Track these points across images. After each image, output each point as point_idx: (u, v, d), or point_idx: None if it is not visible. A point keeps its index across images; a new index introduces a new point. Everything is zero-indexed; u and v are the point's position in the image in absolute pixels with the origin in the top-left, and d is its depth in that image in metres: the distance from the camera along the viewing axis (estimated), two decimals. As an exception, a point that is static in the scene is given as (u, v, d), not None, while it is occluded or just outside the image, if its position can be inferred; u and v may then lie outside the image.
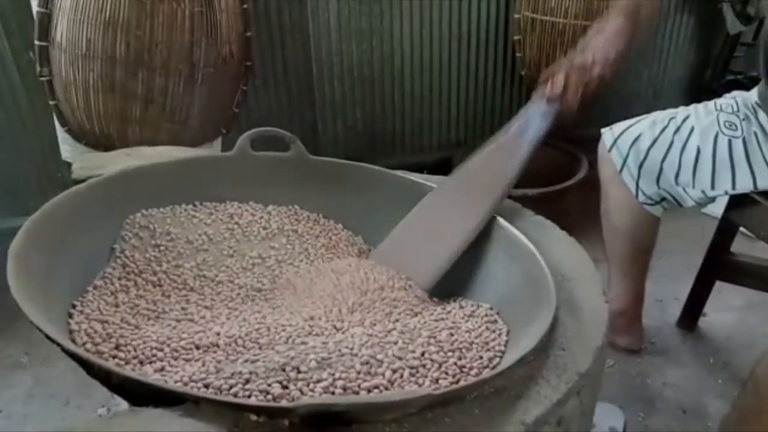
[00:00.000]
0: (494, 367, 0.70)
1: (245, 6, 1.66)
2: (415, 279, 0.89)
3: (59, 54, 1.48)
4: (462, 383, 0.64)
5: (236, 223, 0.97)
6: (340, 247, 0.98)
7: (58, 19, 1.46)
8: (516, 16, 2.03)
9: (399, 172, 1.06)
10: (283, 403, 0.56)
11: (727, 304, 1.63)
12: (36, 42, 1.48)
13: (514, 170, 0.95)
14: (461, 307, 0.85)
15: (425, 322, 0.81)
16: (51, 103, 1.57)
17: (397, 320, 0.81)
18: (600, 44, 1.04)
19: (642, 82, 2.39)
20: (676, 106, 1.38)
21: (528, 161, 0.97)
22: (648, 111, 1.39)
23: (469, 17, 2.08)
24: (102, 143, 1.58)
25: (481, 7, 2.07)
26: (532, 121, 1.01)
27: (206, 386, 0.58)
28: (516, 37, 2.06)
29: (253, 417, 0.54)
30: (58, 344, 0.58)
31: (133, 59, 1.46)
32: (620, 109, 1.48)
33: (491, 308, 0.83)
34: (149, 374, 0.60)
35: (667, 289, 1.65)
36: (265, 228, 0.98)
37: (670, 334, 1.59)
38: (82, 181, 0.94)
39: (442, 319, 0.82)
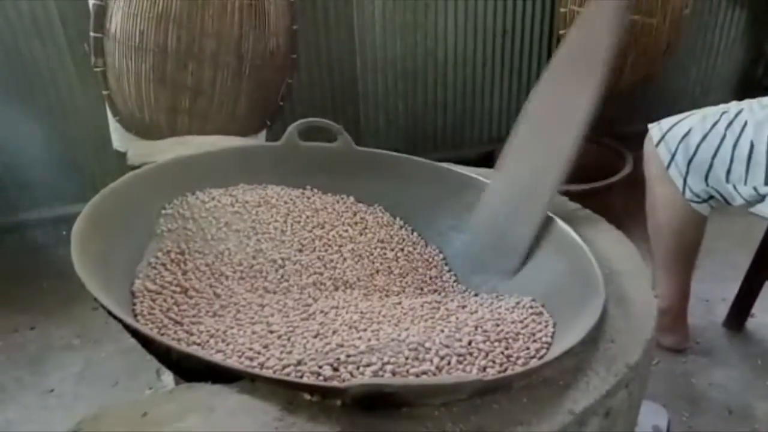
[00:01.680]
0: (541, 358, 0.70)
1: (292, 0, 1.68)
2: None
3: (113, 45, 1.52)
4: (509, 372, 0.64)
5: (286, 209, 0.99)
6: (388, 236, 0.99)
7: (113, 12, 1.50)
8: (562, 10, 2.00)
9: (444, 164, 1.07)
10: (336, 383, 0.57)
11: (776, 305, 1.58)
12: (91, 33, 1.53)
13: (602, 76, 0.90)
14: (506, 301, 0.85)
15: (472, 312, 0.81)
16: (104, 93, 1.61)
17: (444, 312, 0.82)
18: None
19: (690, 78, 2.34)
20: (726, 103, 1.34)
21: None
22: (695, 108, 1.36)
23: (514, 11, 2.06)
24: (151, 133, 1.62)
25: (526, 1, 2.05)
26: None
27: (260, 365, 0.60)
28: (561, 32, 2.03)
29: (307, 396, 0.55)
30: (121, 321, 0.60)
31: (184, 51, 1.49)
32: (666, 106, 1.45)
33: (534, 300, 0.82)
34: (207, 352, 0.62)
35: (714, 289, 1.62)
36: (313, 215, 1.00)
37: (716, 334, 1.55)
38: (138, 167, 0.98)
39: (489, 310, 0.82)
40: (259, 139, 1.76)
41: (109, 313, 0.61)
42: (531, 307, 0.81)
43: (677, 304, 1.45)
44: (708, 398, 1.36)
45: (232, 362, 0.59)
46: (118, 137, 1.71)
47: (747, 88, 2.44)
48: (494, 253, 0.91)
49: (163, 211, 0.88)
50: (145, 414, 0.50)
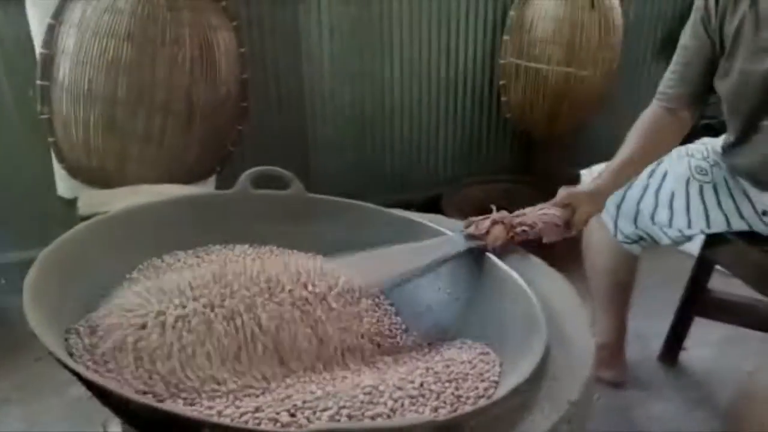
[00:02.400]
0: (490, 397, 0.73)
1: (242, 50, 1.72)
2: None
3: (61, 93, 1.52)
4: (461, 411, 0.67)
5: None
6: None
7: (60, 60, 1.51)
8: (501, 61, 2.12)
9: (393, 211, 1.10)
10: (293, 429, 0.59)
11: (707, 339, 1.67)
12: (38, 81, 1.52)
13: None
14: (455, 345, 0.88)
15: (423, 355, 0.84)
16: (50, 140, 1.60)
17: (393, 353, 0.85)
18: (529, 213, 1.05)
19: (622, 127, 2.47)
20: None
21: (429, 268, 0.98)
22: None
23: (457, 62, 2.16)
24: (99, 180, 1.60)
25: (468, 53, 2.16)
26: (444, 244, 0.99)
27: (218, 413, 0.61)
28: (501, 82, 2.15)
29: (266, 443, 0.56)
30: (77, 374, 0.60)
31: (134, 99, 1.50)
32: (600, 153, 1.54)
33: (485, 345, 0.86)
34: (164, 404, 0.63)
35: (649, 325, 1.70)
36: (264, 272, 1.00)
37: (652, 368, 1.62)
38: (88, 217, 0.98)
39: (439, 353, 0.85)
40: (209, 185, 1.77)
41: (65, 366, 0.61)
42: (479, 348, 0.85)
43: (615, 340, 1.52)
44: (646, 430, 1.42)
45: (191, 412, 0.59)
46: (64, 184, 1.69)
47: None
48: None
49: (116, 263, 0.88)
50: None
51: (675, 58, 1.32)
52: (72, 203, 1.69)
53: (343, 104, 2.07)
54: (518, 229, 1.01)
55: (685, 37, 1.29)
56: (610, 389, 1.53)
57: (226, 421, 0.58)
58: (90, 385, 0.61)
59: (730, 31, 1.19)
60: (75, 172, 1.64)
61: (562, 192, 1.12)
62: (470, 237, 0.99)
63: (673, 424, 1.44)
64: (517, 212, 1.05)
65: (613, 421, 1.44)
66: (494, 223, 1.00)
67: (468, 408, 0.69)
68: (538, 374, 0.73)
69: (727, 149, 1.33)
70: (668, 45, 2.40)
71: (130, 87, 1.48)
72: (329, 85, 2.04)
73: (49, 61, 1.51)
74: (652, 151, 1.30)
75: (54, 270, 0.77)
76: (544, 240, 1.06)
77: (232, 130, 1.79)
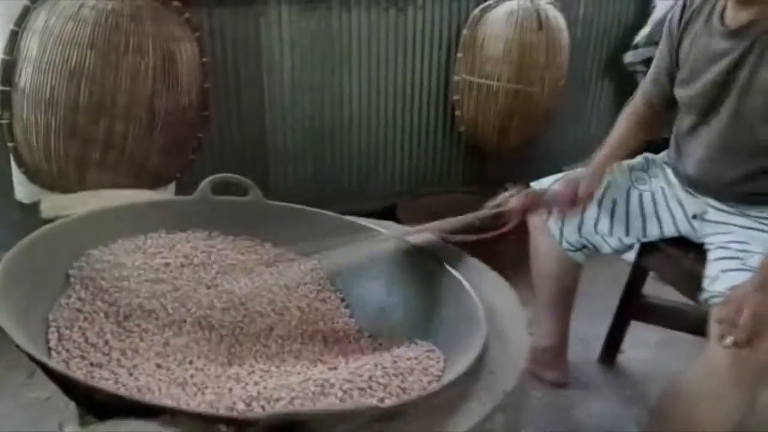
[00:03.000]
0: (432, 389, 0.78)
1: (204, 59, 1.75)
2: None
3: (22, 99, 1.52)
4: (403, 400, 0.72)
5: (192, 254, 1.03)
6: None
7: (23, 66, 1.51)
8: (455, 78, 2.19)
9: (347, 217, 1.15)
10: (250, 414, 0.63)
11: (643, 341, 1.76)
12: (-1, 87, 1.53)
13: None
14: (404, 344, 0.93)
15: (373, 353, 0.89)
16: (9, 144, 1.60)
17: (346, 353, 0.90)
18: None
19: (568, 140, 2.59)
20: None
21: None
22: (575, 166, 1.53)
23: (413, 78, 2.22)
24: (59, 185, 1.61)
25: (423, 69, 2.22)
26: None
27: (177, 402, 0.65)
28: (455, 97, 2.22)
29: (223, 428, 0.60)
30: (45, 366, 0.63)
31: (96, 106, 1.51)
32: (549, 165, 1.62)
33: (431, 344, 0.91)
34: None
35: (590, 329, 1.78)
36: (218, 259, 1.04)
37: (592, 369, 1.71)
38: (51, 220, 1.00)
39: (388, 351, 0.90)
40: (169, 191, 1.79)
41: (33, 359, 0.64)
42: (425, 347, 0.90)
43: (558, 342, 1.60)
44: (586, 427, 1.50)
45: (155, 399, 0.63)
46: (22, 189, 1.68)
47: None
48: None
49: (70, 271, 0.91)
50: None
51: (654, 60, 1.44)
52: (30, 207, 1.69)
53: (302, 115, 2.11)
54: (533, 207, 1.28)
55: (660, 43, 1.40)
56: (553, 389, 1.60)
57: (187, 408, 0.62)
58: (57, 377, 0.64)
59: (686, 43, 1.29)
60: (34, 176, 1.64)
61: (563, 177, 1.38)
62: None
63: (611, 421, 1.52)
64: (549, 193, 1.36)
65: (555, 419, 1.52)
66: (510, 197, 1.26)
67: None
68: (477, 368, 0.79)
69: (670, 157, 1.42)
70: (612, 65, 2.52)
71: (92, 94, 1.50)
72: (289, 97, 2.08)
73: (10, 66, 1.51)
74: (640, 134, 1.47)
75: (18, 271, 0.79)
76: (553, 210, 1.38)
77: (193, 138, 1.81)
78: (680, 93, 1.32)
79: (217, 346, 0.89)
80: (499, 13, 2.10)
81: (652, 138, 1.50)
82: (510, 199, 1.25)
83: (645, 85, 1.46)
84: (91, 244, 0.96)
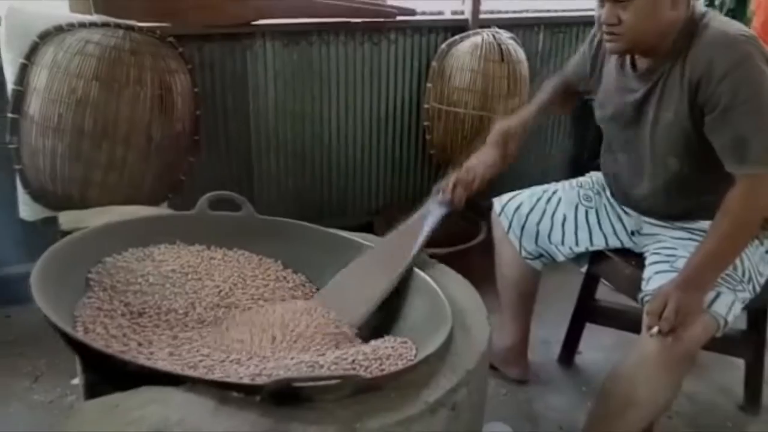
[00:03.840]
0: (406, 370, 0.91)
1: (196, 89, 1.87)
2: (350, 317, 1.09)
3: (30, 125, 1.63)
4: (383, 373, 0.85)
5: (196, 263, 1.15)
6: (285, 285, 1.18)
7: (32, 97, 1.62)
8: (425, 106, 2.35)
9: (332, 230, 1.29)
10: (257, 381, 0.75)
11: (598, 343, 1.90)
12: (9, 115, 1.63)
13: (417, 246, 1.20)
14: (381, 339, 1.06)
15: (355, 345, 1.02)
16: (16, 167, 1.70)
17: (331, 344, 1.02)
18: (477, 167, 1.45)
19: (531, 162, 2.75)
20: (559, 181, 1.68)
21: (427, 239, 1.24)
22: (537, 185, 1.68)
23: (387, 105, 2.37)
24: (62, 204, 1.68)
25: (396, 98, 2.38)
26: (430, 213, 1.34)
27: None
28: (426, 123, 2.37)
29: (234, 394, 0.73)
30: (84, 344, 0.75)
31: (99, 132, 1.62)
32: (513, 184, 1.76)
33: (405, 338, 1.03)
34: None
35: (551, 333, 1.92)
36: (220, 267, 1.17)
37: (552, 368, 1.84)
38: (69, 232, 1.11)
39: (368, 344, 1.03)
40: (161, 209, 1.89)
41: (74, 340, 0.75)
42: (400, 339, 1.03)
43: (519, 342, 1.73)
44: (545, 418, 1.63)
45: (180, 370, 0.75)
46: (27, 209, 1.77)
47: (576, 169, 2.88)
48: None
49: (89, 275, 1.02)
50: (117, 405, 0.65)
51: (574, 58, 1.59)
52: (33, 226, 1.79)
53: (285, 139, 2.25)
54: (474, 184, 1.41)
55: (581, 48, 1.55)
56: (516, 385, 1.74)
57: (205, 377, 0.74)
58: (96, 355, 0.75)
59: (605, 69, 1.44)
60: (38, 197, 1.73)
61: (495, 130, 1.53)
62: (442, 202, 1.34)
63: (567, 413, 1.65)
64: (465, 167, 1.45)
65: (518, 411, 1.65)
66: (455, 185, 1.37)
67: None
68: (444, 351, 0.93)
69: (606, 182, 1.58)
70: (568, 94, 2.71)
71: (96, 121, 1.61)
72: (273, 123, 2.21)
73: (20, 96, 1.62)
74: (557, 106, 1.66)
75: (48, 274, 0.91)
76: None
77: (185, 161, 1.91)
78: (597, 113, 1.48)
79: (220, 340, 1.01)
80: (464, 46, 2.26)
81: (562, 112, 1.67)
82: (453, 188, 1.37)
83: (565, 71, 1.62)
84: (106, 252, 1.08)
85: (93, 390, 1.09)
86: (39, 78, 1.60)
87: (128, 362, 0.71)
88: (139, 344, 0.91)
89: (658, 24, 1.23)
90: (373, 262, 1.19)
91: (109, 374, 0.78)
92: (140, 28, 1.73)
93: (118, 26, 1.69)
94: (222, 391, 0.72)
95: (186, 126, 1.84)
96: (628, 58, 1.36)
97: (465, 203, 1.40)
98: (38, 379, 1.65)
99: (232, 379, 0.76)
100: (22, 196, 1.76)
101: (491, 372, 1.55)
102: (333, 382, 0.74)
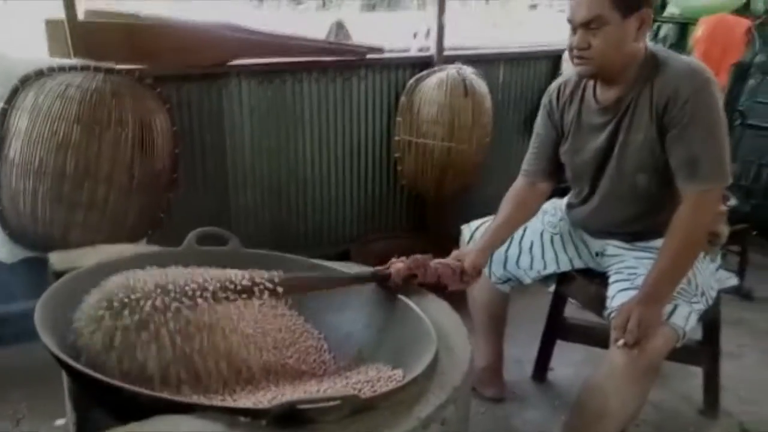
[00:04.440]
0: (397, 391, 0.96)
1: (174, 128, 1.91)
2: None
3: (11, 169, 1.64)
4: (378, 392, 0.90)
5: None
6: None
7: (12, 140, 1.64)
8: (396, 138, 2.43)
9: (312, 260, 1.33)
10: (263, 404, 0.79)
11: (569, 360, 1.98)
12: (-11, 158, 1.64)
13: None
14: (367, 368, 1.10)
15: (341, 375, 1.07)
16: (-5, 210, 1.70)
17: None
18: (440, 270, 1.32)
19: (496, 189, 2.84)
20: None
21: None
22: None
23: (359, 139, 2.45)
24: (42, 245, 1.69)
25: (368, 131, 2.46)
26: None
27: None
28: (396, 155, 2.45)
29: (242, 419, 0.77)
30: (96, 381, 0.78)
31: (81, 174, 1.64)
32: (479, 209, 1.84)
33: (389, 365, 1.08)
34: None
35: (524, 352, 1.99)
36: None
37: (526, 386, 1.91)
38: (63, 272, 1.14)
39: (354, 372, 1.08)
40: (151, 247, 1.90)
41: (81, 374, 0.79)
42: (387, 369, 1.08)
43: (494, 362, 1.80)
44: (522, 432, 1.70)
45: (190, 399, 0.78)
46: (5, 250, 1.77)
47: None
48: None
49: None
50: (133, 434, 0.69)
51: (531, 141, 1.64)
52: (10, 267, 1.79)
53: (261, 174, 2.29)
54: (418, 270, 1.25)
55: (537, 126, 1.62)
56: (492, 403, 1.80)
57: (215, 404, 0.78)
58: (106, 388, 0.78)
59: (568, 119, 1.53)
60: (18, 238, 1.74)
61: (454, 252, 1.45)
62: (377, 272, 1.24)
63: (543, 426, 1.72)
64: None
65: (496, 427, 1.71)
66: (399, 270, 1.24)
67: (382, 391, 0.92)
68: (431, 371, 0.98)
69: (569, 207, 1.67)
70: (529, 124, 2.82)
71: (77, 163, 1.63)
72: (249, 158, 2.25)
73: (0, 141, 1.64)
74: (520, 217, 1.60)
75: (47, 313, 0.94)
76: (449, 288, 1.34)
77: (164, 198, 1.94)
78: (570, 161, 1.54)
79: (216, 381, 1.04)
80: (431, 82, 2.36)
81: (533, 216, 1.63)
82: (397, 263, 1.23)
83: (525, 167, 1.62)
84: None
85: (83, 428, 1.12)
86: (20, 122, 1.63)
87: (141, 393, 0.75)
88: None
89: (622, 52, 1.34)
90: None
91: (117, 407, 0.81)
92: (119, 71, 1.77)
93: (97, 69, 1.73)
94: (231, 416, 0.76)
95: (166, 164, 1.87)
96: (591, 95, 1.47)
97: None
98: (20, 422, 1.63)
99: (239, 405, 0.80)
100: (1, 238, 1.76)
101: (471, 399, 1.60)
102: (333, 403, 0.79)
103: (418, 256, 1.27)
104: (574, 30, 1.36)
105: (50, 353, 0.82)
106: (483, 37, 3.02)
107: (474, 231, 1.71)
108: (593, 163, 1.50)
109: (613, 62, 1.36)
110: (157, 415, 0.75)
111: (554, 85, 1.58)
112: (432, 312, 1.18)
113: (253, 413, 0.77)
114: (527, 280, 1.67)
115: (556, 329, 1.88)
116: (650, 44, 1.43)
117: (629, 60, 1.36)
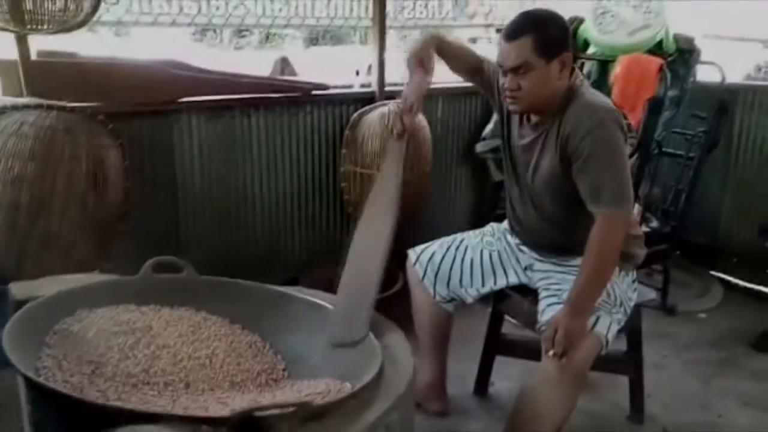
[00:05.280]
0: (346, 400, 1.04)
1: (126, 162, 1.95)
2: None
3: (-36, 203, 1.66)
4: (328, 400, 0.98)
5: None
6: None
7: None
8: (342, 169, 2.53)
9: (268, 285, 1.41)
10: (224, 413, 0.86)
11: (509, 373, 2.08)
12: (-59, 194, 1.65)
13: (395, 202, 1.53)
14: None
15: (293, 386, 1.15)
16: (-53, 244, 1.70)
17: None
18: (410, 95, 1.60)
19: (438, 216, 2.98)
20: (465, 231, 1.89)
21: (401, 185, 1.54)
22: (444, 236, 1.88)
23: (306, 170, 2.54)
24: None
25: (314, 163, 2.56)
26: (392, 151, 1.62)
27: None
28: (343, 184, 2.55)
29: (205, 428, 0.84)
30: (59, 394, 0.83)
31: (35, 208, 1.67)
32: (424, 236, 1.95)
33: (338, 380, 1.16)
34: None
35: (465, 368, 2.08)
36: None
37: (469, 400, 2.02)
38: (24, 301, 1.18)
39: (306, 384, 1.16)
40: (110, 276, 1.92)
41: (47, 389, 0.84)
42: (338, 381, 1.16)
43: (438, 378, 1.89)
44: (465, 444, 1.79)
45: (157, 408, 0.85)
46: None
47: (478, 220, 3.11)
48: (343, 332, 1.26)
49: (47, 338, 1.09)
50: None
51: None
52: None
53: (211, 205, 2.35)
54: (415, 107, 1.58)
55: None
56: (437, 418, 1.88)
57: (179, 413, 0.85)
58: (72, 402, 0.84)
59: (511, 128, 1.67)
60: (-29, 270, 1.74)
61: (410, 56, 1.63)
62: (400, 135, 1.57)
63: (484, 437, 1.83)
64: (402, 98, 1.62)
65: (440, 441, 1.80)
66: (401, 117, 1.57)
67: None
68: (377, 381, 1.07)
69: (509, 225, 1.81)
70: (467, 154, 2.97)
71: (32, 198, 1.66)
72: (199, 189, 2.31)
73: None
74: (466, 62, 1.75)
75: (14, 337, 0.98)
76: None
77: (116, 229, 1.97)
78: (505, 156, 1.71)
79: (172, 393, 1.10)
80: (373, 116, 2.48)
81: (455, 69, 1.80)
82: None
83: (489, 61, 1.72)
84: (62, 317, 1.15)
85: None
86: (-26, 161, 1.64)
87: (104, 406, 0.81)
88: (103, 393, 0.99)
89: (548, 90, 1.49)
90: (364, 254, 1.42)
91: (82, 423, 0.86)
92: (72, 108, 1.81)
93: (50, 107, 1.77)
94: (194, 425, 0.83)
95: (118, 197, 1.90)
96: (525, 117, 1.61)
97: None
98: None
99: (200, 413, 0.87)
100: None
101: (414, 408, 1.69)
102: (290, 409, 0.87)
103: (403, 105, 1.59)
104: (504, 73, 1.51)
105: (20, 375, 0.87)
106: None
107: (420, 254, 1.82)
108: (513, 173, 1.66)
109: (540, 99, 1.51)
110: (120, 427, 0.81)
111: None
112: (375, 328, 1.27)
113: (213, 422, 0.84)
114: (469, 300, 1.79)
115: (495, 345, 2.00)
116: (579, 81, 1.58)
117: (554, 94, 1.51)
